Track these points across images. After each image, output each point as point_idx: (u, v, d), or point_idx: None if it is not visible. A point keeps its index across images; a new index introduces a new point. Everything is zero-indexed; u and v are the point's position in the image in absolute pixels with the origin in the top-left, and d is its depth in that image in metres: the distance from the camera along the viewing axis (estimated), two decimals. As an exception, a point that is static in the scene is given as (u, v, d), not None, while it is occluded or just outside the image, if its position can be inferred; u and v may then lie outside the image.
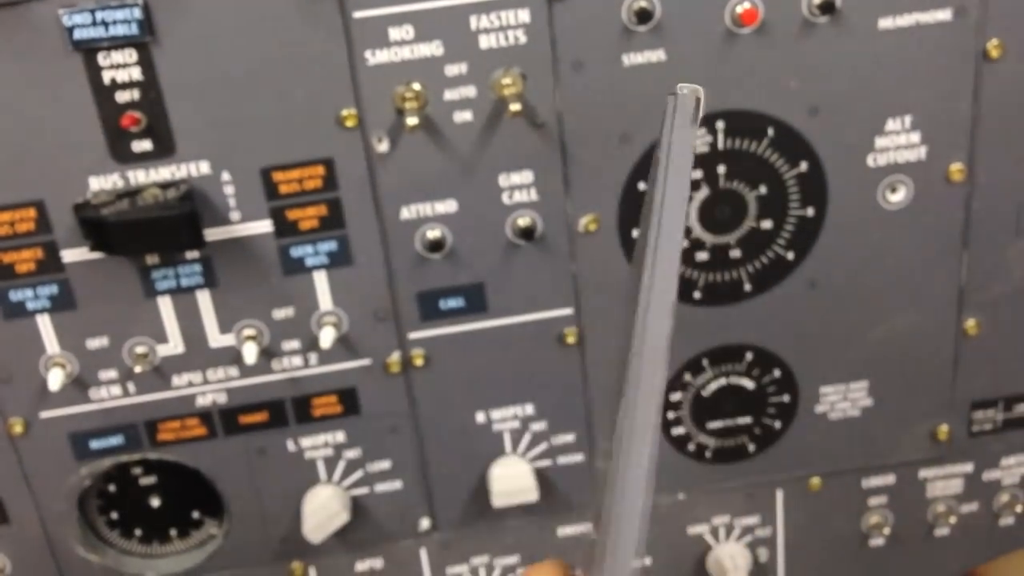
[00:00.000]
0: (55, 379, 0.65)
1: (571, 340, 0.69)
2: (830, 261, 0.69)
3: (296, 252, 0.65)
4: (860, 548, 0.80)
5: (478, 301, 0.68)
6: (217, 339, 0.67)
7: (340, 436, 0.71)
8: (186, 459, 0.70)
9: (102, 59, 0.58)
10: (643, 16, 0.60)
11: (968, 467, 0.78)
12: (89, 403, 0.67)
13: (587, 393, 0.71)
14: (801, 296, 0.70)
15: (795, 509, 0.78)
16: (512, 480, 0.72)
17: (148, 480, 0.73)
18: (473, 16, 0.60)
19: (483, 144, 0.63)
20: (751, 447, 0.75)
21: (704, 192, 0.66)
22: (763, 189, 0.66)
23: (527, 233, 0.65)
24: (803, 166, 0.66)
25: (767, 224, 0.67)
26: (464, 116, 0.62)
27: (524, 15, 0.60)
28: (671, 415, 0.74)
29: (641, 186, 0.65)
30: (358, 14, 0.59)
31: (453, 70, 0.61)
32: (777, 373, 0.72)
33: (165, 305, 0.65)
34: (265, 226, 0.64)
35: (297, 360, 0.68)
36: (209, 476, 0.71)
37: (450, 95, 0.61)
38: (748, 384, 0.73)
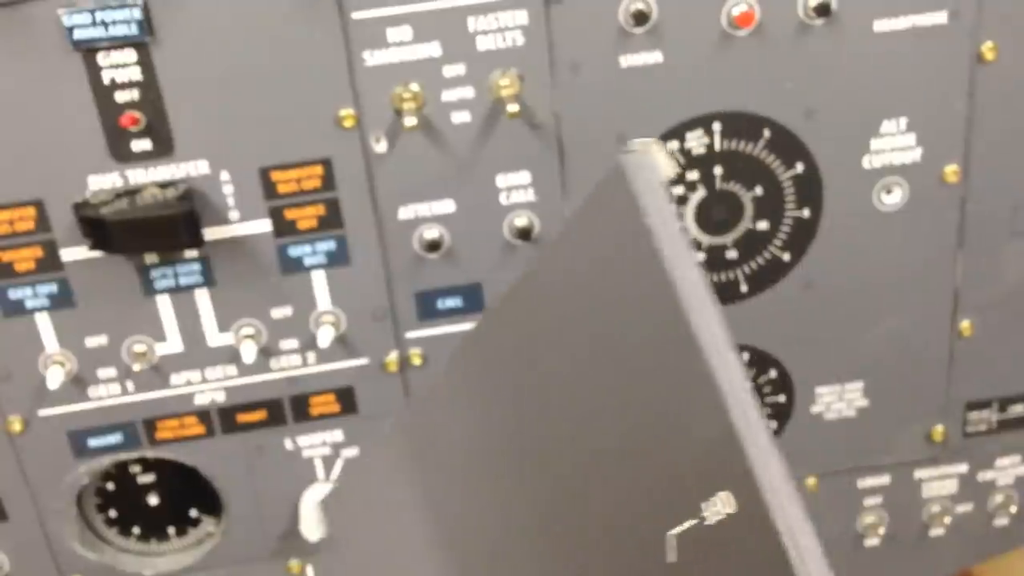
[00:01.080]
0: (54, 377, 0.65)
1: None
2: (826, 262, 0.69)
3: (294, 252, 0.65)
4: (855, 548, 0.80)
5: (476, 301, 0.68)
6: (215, 338, 0.67)
7: (338, 435, 0.71)
8: (184, 457, 0.70)
9: (102, 59, 0.58)
10: (640, 18, 0.61)
11: (963, 468, 0.78)
12: (88, 401, 0.68)
13: None
14: (797, 297, 0.70)
15: None
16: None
17: (146, 478, 0.73)
18: (471, 17, 0.60)
19: (481, 145, 0.63)
20: None
21: (700, 193, 0.66)
22: (759, 190, 0.66)
23: (524, 233, 0.66)
24: (799, 167, 0.66)
25: (763, 225, 0.68)
26: (462, 117, 0.62)
27: (522, 17, 0.60)
28: None
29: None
30: (357, 15, 0.59)
31: (451, 71, 0.61)
32: (773, 374, 0.73)
33: (164, 304, 0.65)
34: (264, 225, 0.64)
35: (295, 359, 0.68)
36: (207, 474, 0.71)
37: (448, 96, 0.62)
38: (744, 384, 0.73)
